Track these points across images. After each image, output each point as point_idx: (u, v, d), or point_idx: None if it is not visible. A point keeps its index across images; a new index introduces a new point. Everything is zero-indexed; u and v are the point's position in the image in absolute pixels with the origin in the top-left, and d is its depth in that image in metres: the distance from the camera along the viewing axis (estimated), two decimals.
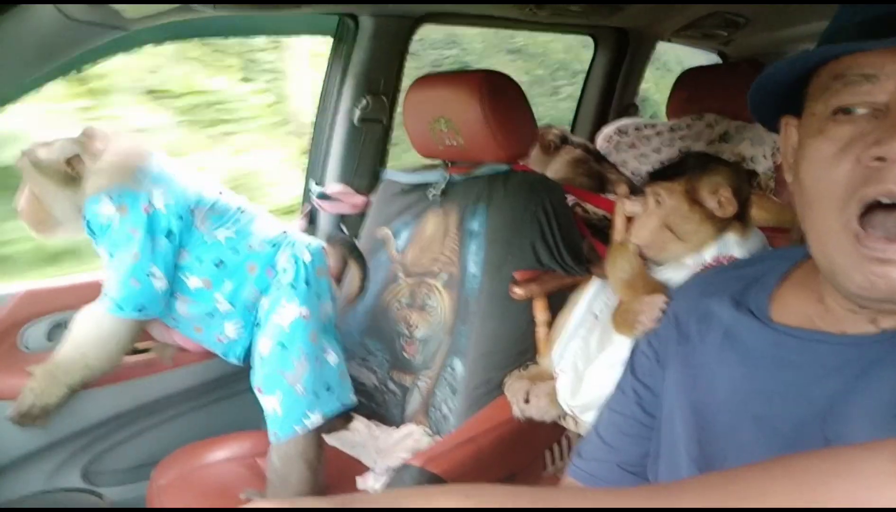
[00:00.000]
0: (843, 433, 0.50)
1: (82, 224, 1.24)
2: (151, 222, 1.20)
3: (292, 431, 1.21)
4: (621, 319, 1.02)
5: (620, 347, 1.02)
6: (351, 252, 1.47)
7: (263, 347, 1.24)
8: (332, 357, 1.29)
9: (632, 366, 0.72)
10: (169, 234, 1.21)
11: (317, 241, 1.36)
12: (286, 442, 1.21)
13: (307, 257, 1.29)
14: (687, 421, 0.61)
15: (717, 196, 1.01)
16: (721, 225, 1.03)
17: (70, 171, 1.21)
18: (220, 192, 1.31)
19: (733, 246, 1.02)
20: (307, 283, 1.27)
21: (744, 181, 1.05)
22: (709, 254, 1.02)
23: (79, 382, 1.22)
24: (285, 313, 1.24)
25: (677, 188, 1.03)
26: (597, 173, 1.97)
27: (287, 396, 1.21)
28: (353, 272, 1.47)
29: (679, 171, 1.05)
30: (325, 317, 1.31)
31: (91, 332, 1.22)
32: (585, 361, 1.10)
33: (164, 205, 1.21)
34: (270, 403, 1.22)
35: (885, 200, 0.47)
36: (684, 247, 1.03)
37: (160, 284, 1.21)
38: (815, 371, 0.53)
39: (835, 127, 0.51)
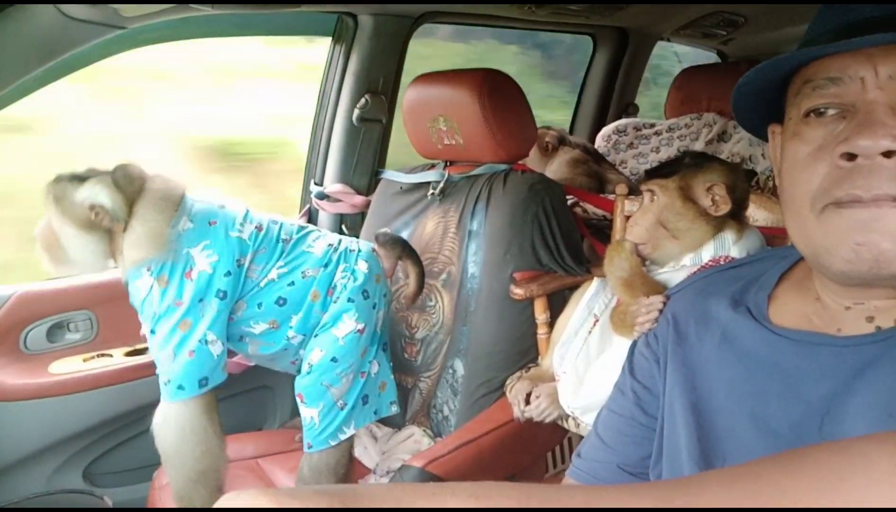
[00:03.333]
0: (839, 434, 0.50)
1: (98, 267, 1.17)
2: (198, 287, 1.12)
3: (326, 444, 1.20)
4: (619, 320, 1.02)
5: (620, 348, 1.02)
6: (404, 250, 1.39)
7: (314, 356, 1.21)
8: (375, 367, 1.26)
9: (630, 367, 0.72)
10: (220, 293, 1.14)
11: (366, 245, 1.32)
12: (318, 453, 1.20)
13: (364, 267, 1.26)
14: (687, 421, 0.61)
15: (711, 194, 1.01)
16: (717, 224, 1.02)
17: (94, 219, 1.12)
18: (258, 226, 1.23)
19: (730, 246, 1.02)
20: (365, 295, 1.24)
21: (740, 180, 1.05)
22: (706, 254, 1.02)
23: (213, 479, 1.16)
24: (342, 327, 1.21)
25: (671, 185, 1.03)
26: (596, 173, 1.97)
27: (328, 410, 1.20)
28: (409, 272, 1.42)
29: (675, 168, 1.05)
30: (377, 326, 1.28)
31: (172, 436, 1.14)
32: (586, 363, 1.10)
33: (210, 264, 1.13)
34: (310, 412, 1.20)
35: (859, 198, 0.49)
36: (679, 245, 1.03)
37: (217, 348, 1.14)
38: (811, 373, 0.54)
39: (807, 129, 0.53)
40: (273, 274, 1.21)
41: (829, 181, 0.50)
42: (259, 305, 1.19)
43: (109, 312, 1.40)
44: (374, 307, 1.26)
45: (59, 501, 1.25)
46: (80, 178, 1.13)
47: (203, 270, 1.13)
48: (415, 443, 1.34)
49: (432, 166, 1.57)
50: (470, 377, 1.33)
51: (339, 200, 1.74)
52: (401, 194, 1.58)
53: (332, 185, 1.75)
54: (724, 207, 1.01)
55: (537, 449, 1.28)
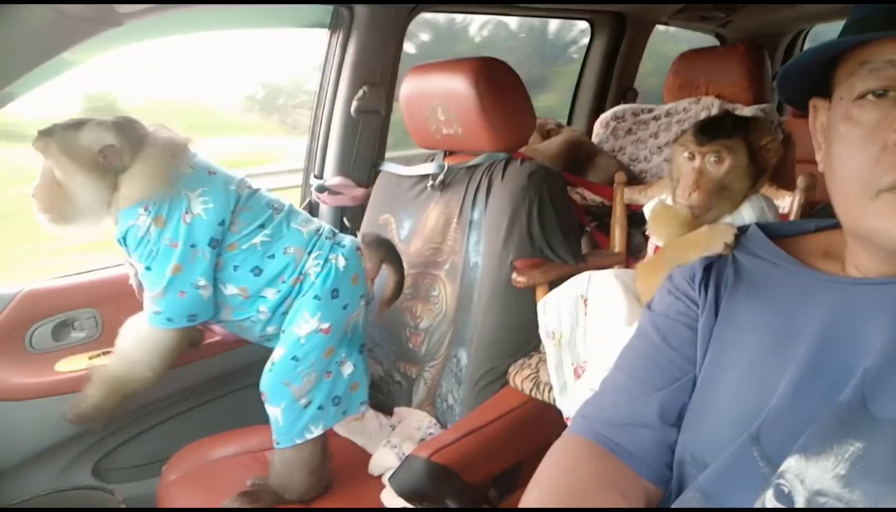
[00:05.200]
0: (882, 375, 0.50)
1: (104, 220, 1.17)
2: (192, 232, 1.13)
3: (292, 442, 1.18)
4: (680, 244, 0.95)
5: (615, 325, 1.04)
6: (388, 254, 1.38)
7: (276, 354, 1.19)
8: (348, 368, 1.23)
9: (663, 301, 0.71)
10: (212, 241, 1.15)
11: (351, 241, 1.28)
12: (288, 449, 1.19)
13: (341, 263, 1.22)
14: (724, 376, 0.61)
15: (767, 149, 1.00)
16: (753, 182, 1.01)
17: (102, 161, 1.12)
18: (250, 187, 1.23)
19: (759, 208, 1.01)
20: (335, 294, 1.20)
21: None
22: (746, 213, 1.00)
23: (132, 391, 1.21)
24: (304, 326, 1.18)
25: (739, 145, 0.98)
26: (588, 157, 2.00)
27: (290, 409, 1.18)
28: (388, 275, 1.40)
29: (733, 128, 1.00)
30: (350, 327, 1.24)
31: (138, 345, 1.19)
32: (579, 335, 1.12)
33: (205, 210, 1.14)
34: (273, 412, 1.19)
35: None
36: (730, 205, 1.00)
37: (207, 292, 1.17)
38: (859, 313, 0.55)
39: (860, 111, 0.53)
40: (256, 240, 1.20)
41: (885, 164, 0.51)
42: (235, 268, 1.19)
43: (114, 310, 1.40)
44: (344, 308, 1.22)
45: (69, 498, 1.27)
46: (77, 125, 1.13)
47: (198, 216, 1.14)
48: (427, 427, 1.35)
49: (432, 157, 1.57)
50: (474, 366, 1.33)
51: (339, 193, 1.74)
52: (401, 185, 1.58)
53: (332, 178, 1.75)
54: (773, 162, 1.01)
55: (542, 436, 1.28)
